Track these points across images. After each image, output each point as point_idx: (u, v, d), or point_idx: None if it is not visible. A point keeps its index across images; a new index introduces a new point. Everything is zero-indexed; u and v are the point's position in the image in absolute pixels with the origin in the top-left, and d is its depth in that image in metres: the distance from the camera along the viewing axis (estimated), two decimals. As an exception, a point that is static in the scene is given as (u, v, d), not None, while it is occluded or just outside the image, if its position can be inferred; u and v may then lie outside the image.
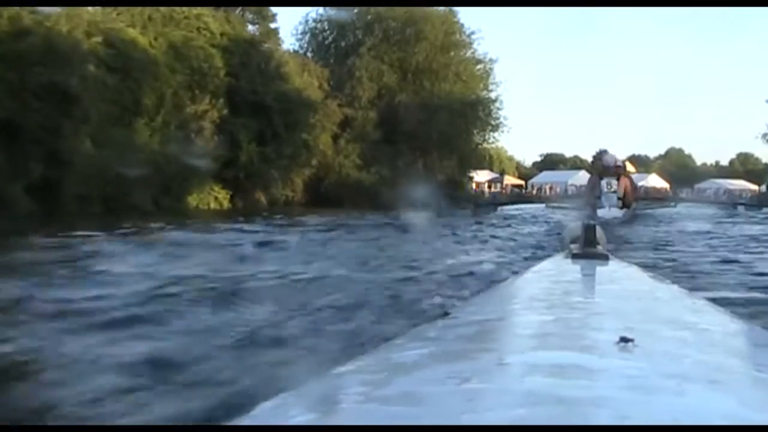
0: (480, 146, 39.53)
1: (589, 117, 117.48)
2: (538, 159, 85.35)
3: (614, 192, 12.11)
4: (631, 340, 0.75)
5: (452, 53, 36.08)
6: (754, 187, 59.69)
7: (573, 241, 2.06)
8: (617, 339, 0.76)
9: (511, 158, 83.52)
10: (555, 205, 17.12)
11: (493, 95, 38.35)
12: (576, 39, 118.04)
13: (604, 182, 12.28)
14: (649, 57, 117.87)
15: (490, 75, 38.27)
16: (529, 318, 1.06)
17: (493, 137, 38.96)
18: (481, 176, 64.30)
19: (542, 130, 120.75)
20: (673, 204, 30.29)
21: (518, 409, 0.54)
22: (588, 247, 1.83)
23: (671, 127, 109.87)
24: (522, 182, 67.94)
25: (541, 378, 0.64)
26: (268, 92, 27.98)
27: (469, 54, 37.37)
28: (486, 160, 79.89)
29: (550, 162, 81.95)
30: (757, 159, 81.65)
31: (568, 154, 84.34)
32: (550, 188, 59.99)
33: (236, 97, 27.41)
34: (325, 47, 35.98)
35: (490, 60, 37.96)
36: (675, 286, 1.67)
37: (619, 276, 1.64)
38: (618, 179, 12.10)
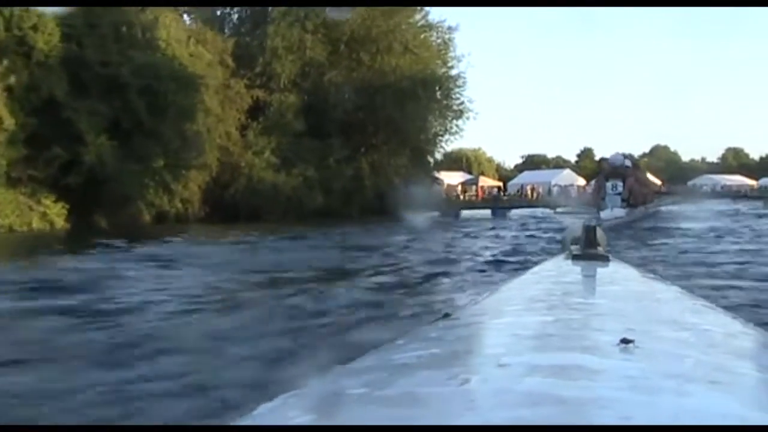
0: (440, 137, 31.36)
1: (571, 117, 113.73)
2: (520, 161, 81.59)
3: (619, 194, 11.46)
4: (632, 341, 0.74)
5: (397, 18, 27.87)
6: (751, 182, 58.09)
7: (573, 243, 1.99)
8: (618, 340, 0.76)
9: (490, 160, 79.35)
10: (564, 209, 14.66)
11: (453, 72, 30.22)
12: (558, 38, 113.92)
13: (609, 184, 11.64)
14: (632, 56, 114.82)
15: (449, 47, 30.20)
16: (529, 319, 1.05)
17: (456, 126, 30.83)
18: (453, 178, 56.79)
19: (524, 131, 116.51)
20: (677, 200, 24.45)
21: (519, 410, 0.55)
22: (588, 249, 1.80)
23: (656, 125, 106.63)
24: (500, 184, 60.32)
25: (541, 379, 0.65)
26: (124, 64, 19.66)
27: (419, 19, 29.22)
28: (463, 162, 74.45)
29: (532, 163, 77.67)
30: (746, 154, 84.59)
31: (551, 154, 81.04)
32: (532, 189, 52.21)
33: (80, 71, 19.15)
34: (227, 14, 27.64)
35: (449, 28, 29.90)
36: (675, 287, 1.63)
37: (620, 277, 1.61)
38: (623, 180, 11.46)
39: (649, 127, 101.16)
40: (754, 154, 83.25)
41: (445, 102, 29.82)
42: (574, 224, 2.44)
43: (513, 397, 0.58)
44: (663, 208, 14.07)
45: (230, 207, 24.35)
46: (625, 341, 0.75)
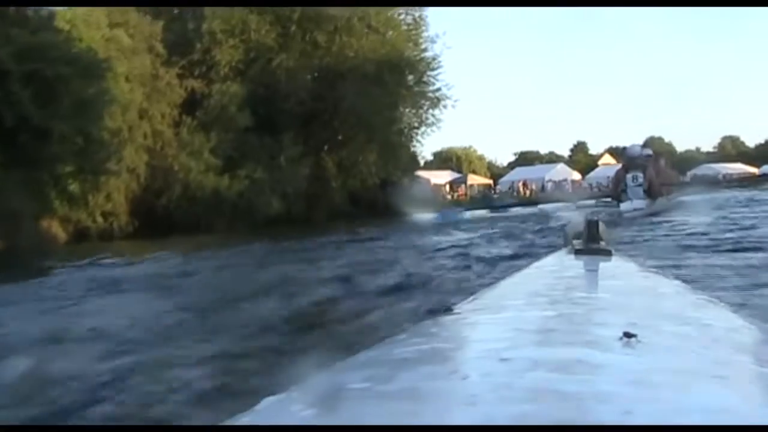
0: (416, 130, 27.44)
1: (563, 112, 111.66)
2: (513, 159, 78.55)
3: (640, 185, 11.11)
4: (635, 336, 0.74)
5: (357, -8, 23.94)
6: (753, 169, 56.37)
7: (576, 237, 1.98)
8: (620, 334, 0.75)
9: (481, 158, 76.60)
10: (581, 203, 12.78)
11: (428, 55, 26.31)
12: (549, 33, 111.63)
13: (629, 176, 11.21)
14: (624, 48, 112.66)
15: (421, 25, 26.30)
16: (531, 313, 1.06)
17: (433, 116, 26.90)
18: (440, 177, 53.03)
19: (516, 129, 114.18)
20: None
21: (521, 405, 0.55)
22: (591, 243, 1.78)
23: (649, 117, 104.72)
24: (490, 182, 56.67)
25: (543, 373, 0.65)
26: (2, 46, 15.67)
27: (383, -8, 25.30)
28: (453, 161, 70.91)
29: (525, 160, 73.87)
30: (742, 142, 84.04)
31: (544, 150, 78.22)
32: (524, 185, 48.42)
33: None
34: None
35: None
36: (678, 282, 1.60)
37: (622, 272, 1.61)
38: (644, 171, 11.15)
39: (642, 119, 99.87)
40: (750, 142, 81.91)
41: (417, 89, 25.90)
42: (576, 218, 2.42)
43: (515, 392, 0.59)
44: (686, 198, 12.66)
45: (164, 218, 20.41)
46: (627, 335, 0.74)
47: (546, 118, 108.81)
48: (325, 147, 25.95)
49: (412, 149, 30.88)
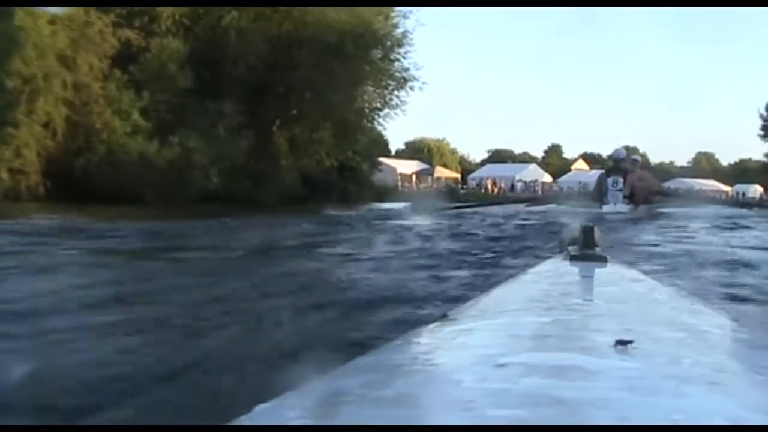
0: (378, 111, 25.35)
1: (541, 115, 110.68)
2: (486, 156, 78.39)
3: (620, 190, 11.35)
4: (630, 342, 0.75)
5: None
6: (726, 187, 57.28)
7: (571, 243, 1.97)
8: (615, 341, 0.76)
9: (454, 151, 75.28)
10: (564, 206, 12.24)
11: (398, 32, 24.17)
12: (535, 38, 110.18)
13: (610, 180, 11.50)
14: (606, 58, 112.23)
15: (394, -2, 24.09)
16: (527, 320, 1.06)
17: (398, 98, 24.80)
18: (407, 167, 51.18)
19: (493, 127, 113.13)
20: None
21: (517, 410, 0.56)
22: (586, 249, 1.77)
23: (625, 127, 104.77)
24: (458, 176, 55.01)
25: (539, 379, 0.65)
26: None
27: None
28: (424, 152, 69.15)
29: (498, 158, 73.51)
30: (716, 159, 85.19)
31: (518, 150, 77.87)
32: (493, 183, 46.75)
33: None
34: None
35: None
36: (673, 289, 1.62)
37: (618, 278, 1.62)
38: (624, 177, 11.40)
39: (618, 129, 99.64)
40: (724, 161, 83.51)
41: (382, 65, 23.77)
42: (572, 225, 2.30)
43: (511, 398, 0.59)
44: (670, 210, 12.48)
45: (82, 182, 18.06)
46: (622, 342, 0.74)
47: (523, 118, 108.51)
48: (277, 122, 23.75)
49: (378, 134, 28.92)
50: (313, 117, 23.33)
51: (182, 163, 19.26)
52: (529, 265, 2.40)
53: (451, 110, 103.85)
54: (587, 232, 1.79)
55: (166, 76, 19.64)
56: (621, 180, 11.30)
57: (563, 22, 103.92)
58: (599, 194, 11.59)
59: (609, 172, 11.68)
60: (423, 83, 24.73)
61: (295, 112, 23.91)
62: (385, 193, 32.81)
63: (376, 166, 30.01)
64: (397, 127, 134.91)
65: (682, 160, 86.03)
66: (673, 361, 0.75)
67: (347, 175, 26.45)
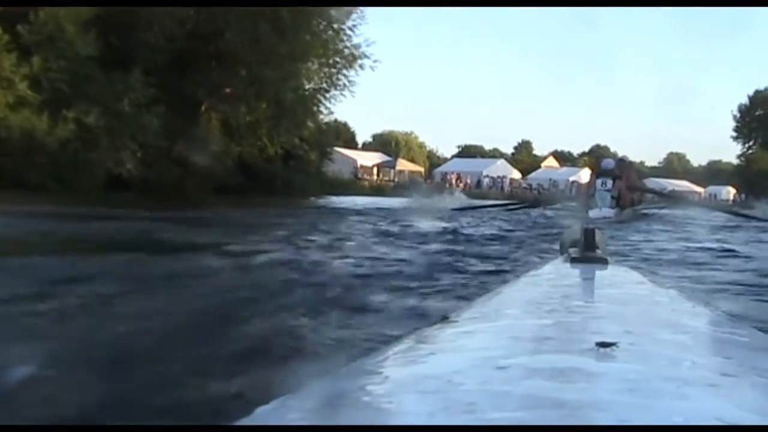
0: (324, 92, 22.41)
1: (511, 112, 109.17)
2: (456, 151, 76.42)
3: (608, 191, 11.41)
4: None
5: None
6: (698, 189, 56.62)
7: (572, 245, 1.98)
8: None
9: (422, 145, 73.05)
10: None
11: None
12: (513, 36, 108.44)
13: (599, 181, 11.65)
14: (581, 56, 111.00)
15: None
16: (528, 322, 1.07)
17: (346, 80, 21.90)
18: (368, 159, 48.36)
19: (463, 122, 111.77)
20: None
21: (518, 412, 0.57)
22: (587, 251, 1.79)
23: (596, 126, 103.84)
24: (422, 169, 52.38)
25: (540, 381, 0.66)
26: None
27: None
28: (392, 145, 66.50)
29: (467, 153, 71.74)
30: (688, 160, 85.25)
31: (488, 146, 75.17)
32: (458, 178, 44.11)
33: None
34: None
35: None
36: (674, 291, 1.58)
37: (619, 280, 1.63)
38: (613, 180, 11.55)
39: (589, 127, 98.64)
40: (694, 162, 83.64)
41: (327, 39, 20.84)
42: (573, 227, 2.35)
43: (512, 399, 0.60)
44: (657, 211, 12.76)
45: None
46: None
47: (495, 115, 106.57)
48: (205, 101, 20.74)
49: (342, 124, 25.97)
50: (246, 96, 20.36)
51: (79, 143, 16.19)
52: (530, 268, 2.40)
53: (423, 105, 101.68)
54: (588, 234, 1.79)
55: (63, 40, 16.50)
56: (610, 181, 11.36)
57: (542, 20, 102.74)
58: (586, 196, 11.75)
59: (599, 174, 11.79)
60: (375, 61, 21.91)
61: (228, 90, 20.91)
62: (339, 186, 30.05)
63: (327, 156, 27.08)
64: (368, 121, 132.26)
65: (653, 160, 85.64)
66: (674, 363, 0.75)
67: (293, 164, 23.55)
